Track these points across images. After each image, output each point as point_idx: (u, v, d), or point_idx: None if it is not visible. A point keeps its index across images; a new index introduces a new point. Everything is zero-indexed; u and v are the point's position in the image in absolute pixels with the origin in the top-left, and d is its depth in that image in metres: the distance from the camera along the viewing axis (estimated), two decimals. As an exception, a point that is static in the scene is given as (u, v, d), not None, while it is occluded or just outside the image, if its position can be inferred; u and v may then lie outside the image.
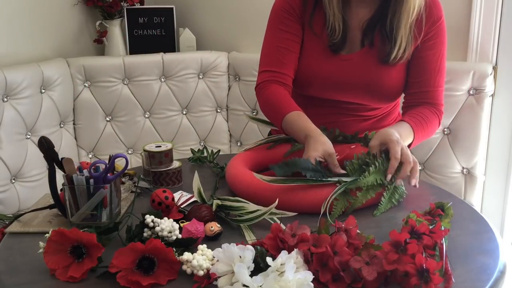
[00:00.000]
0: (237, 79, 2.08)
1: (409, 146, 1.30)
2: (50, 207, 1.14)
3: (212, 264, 0.87)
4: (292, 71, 1.40)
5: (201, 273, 0.86)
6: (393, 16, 1.31)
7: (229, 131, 2.14)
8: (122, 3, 2.13)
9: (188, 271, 0.87)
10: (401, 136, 1.22)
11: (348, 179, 1.11)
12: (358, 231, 0.91)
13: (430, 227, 0.91)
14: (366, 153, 1.17)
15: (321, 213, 1.05)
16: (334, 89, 1.38)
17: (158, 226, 0.94)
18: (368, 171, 1.11)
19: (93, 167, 1.07)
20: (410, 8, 1.28)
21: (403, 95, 1.44)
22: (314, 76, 1.38)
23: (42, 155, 1.09)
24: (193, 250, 0.90)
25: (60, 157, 1.10)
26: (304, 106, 1.35)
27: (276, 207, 1.04)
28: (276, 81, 1.38)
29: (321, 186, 1.10)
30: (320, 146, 1.18)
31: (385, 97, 1.40)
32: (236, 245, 0.85)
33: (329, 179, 1.11)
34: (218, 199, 1.11)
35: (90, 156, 2.03)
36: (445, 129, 1.75)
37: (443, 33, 1.37)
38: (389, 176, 1.13)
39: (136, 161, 2.03)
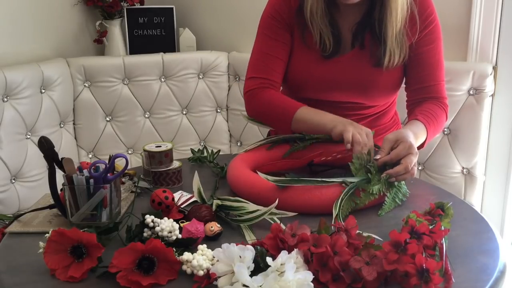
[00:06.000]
0: (237, 79, 2.08)
1: (423, 144, 1.31)
2: (50, 207, 1.14)
3: (212, 264, 0.87)
4: (280, 78, 1.41)
5: (201, 273, 0.86)
6: (380, 23, 1.31)
7: (229, 131, 2.13)
8: (122, 3, 2.13)
9: (188, 271, 0.87)
10: (417, 136, 1.24)
11: (354, 180, 1.11)
12: (360, 232, 0.91)
13: (430, 227, 0.91)
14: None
15: (334, 215, 1.04)
16: (327, 90, 1.39)
17: (158, 226, 0.94)
18: (373, 178, 1.11)
19: (93, 167, 1.07)
20: (393, 20, 1.28)
21: (404, 93, 1.44)
22: (307, 79, 1.39)
23: (42, 155, 1.09)
24: (193, 250, 0.90)
25: (60, 157, 1.10)
26: None
27: (280, 207, 1.04)
28: (267, 87, 1.39)
29: (326, 186, 1.10)
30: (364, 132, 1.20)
31: (379, 96, 1.40)
32: (236, 245, 0.85)
33: (333, 179, 1.11)
34: (218, 199, 1.11)
35: (90, 156, 2.03)
36: (445, 129, 1.75)
37: (437, 26, 1.37)
38: (384, 175, 1.12)
39: (136, 161, 2.02)
